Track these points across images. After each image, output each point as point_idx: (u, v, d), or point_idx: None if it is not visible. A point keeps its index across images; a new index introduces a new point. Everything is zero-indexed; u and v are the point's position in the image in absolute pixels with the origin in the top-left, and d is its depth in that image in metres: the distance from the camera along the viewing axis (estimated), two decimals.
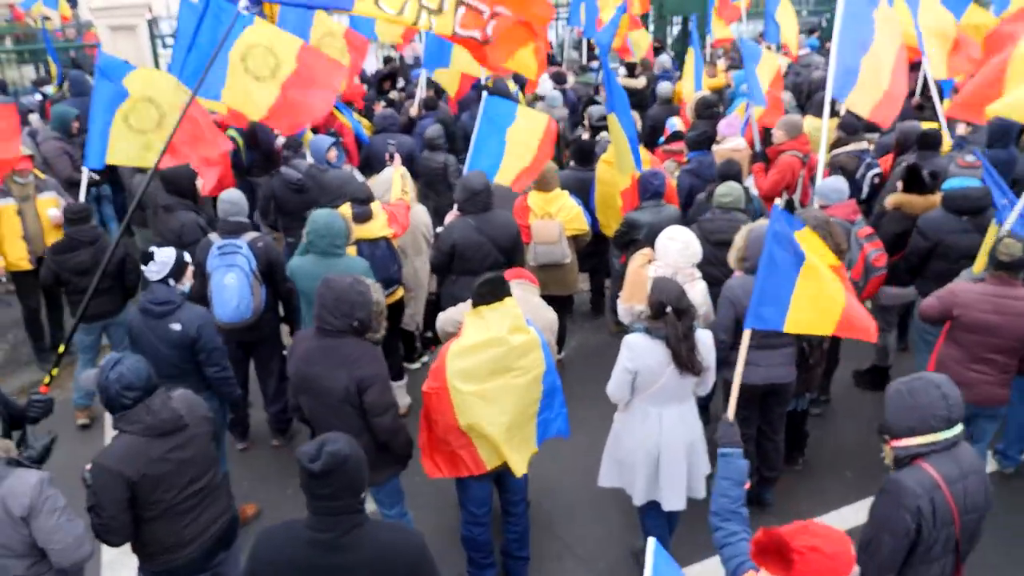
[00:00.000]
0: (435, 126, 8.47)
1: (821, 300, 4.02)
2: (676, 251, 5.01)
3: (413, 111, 9.63)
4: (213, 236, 5.51)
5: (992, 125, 7.19)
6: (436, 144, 8.24)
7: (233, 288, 5.29)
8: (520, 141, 7.02)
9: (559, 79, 11.36)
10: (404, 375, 6.56)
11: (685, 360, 4.20)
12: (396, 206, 6.13)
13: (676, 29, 15.78)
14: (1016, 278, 4.69)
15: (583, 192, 7.27)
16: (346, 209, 5.76)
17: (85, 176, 6.17)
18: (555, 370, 4.35)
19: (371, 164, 8.37)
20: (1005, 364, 4.73)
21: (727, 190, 5.93)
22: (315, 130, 8.53)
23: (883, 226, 6.36)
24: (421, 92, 9.72)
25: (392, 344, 6.16)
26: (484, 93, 7.26)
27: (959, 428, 3.17)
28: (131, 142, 6.13)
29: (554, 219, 6.55)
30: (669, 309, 4.22)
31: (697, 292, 4.92)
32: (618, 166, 6.70)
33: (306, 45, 6.24)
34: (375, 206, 5.88)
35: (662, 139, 8.73)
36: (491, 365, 4.06)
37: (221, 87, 6.06)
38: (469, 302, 4.58)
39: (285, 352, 5.73)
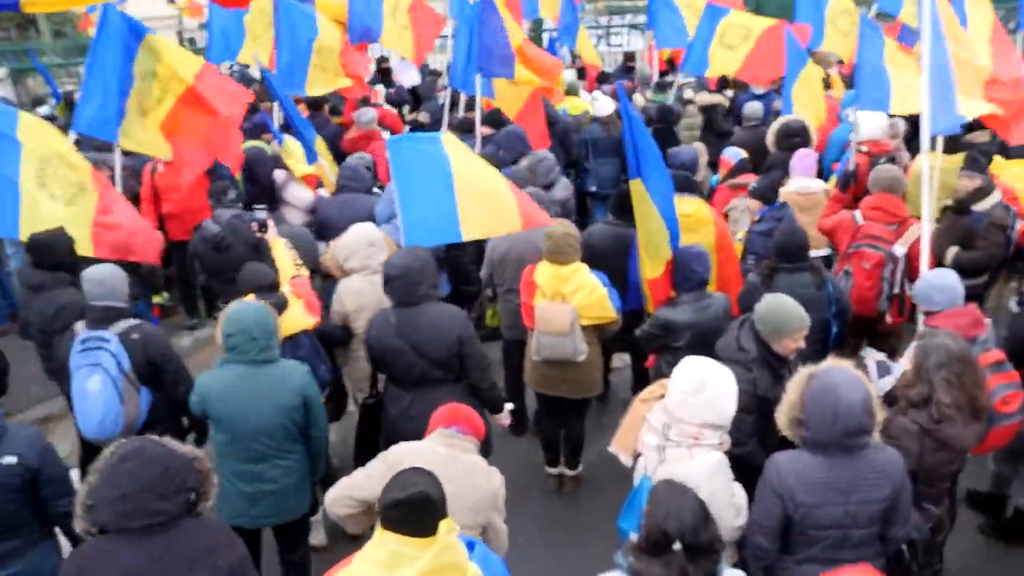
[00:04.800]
0: None
1: None
2: (682, 394, 3.31)
3: None
4: (78, 326, 4.24)
5: None
6: None
7: (96, 397, 4.01)
8: (470, 177, 5.17)
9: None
10: (319, 508, 5.00)
11: None
12: (300, 286, 4.72)
13: None
14: None
15: (621, 257, 5.55)
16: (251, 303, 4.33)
17: None
18: None
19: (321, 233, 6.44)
20: None
21: (771, 310, 3.94)
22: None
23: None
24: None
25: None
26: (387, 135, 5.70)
27: None
28: (52, 215, 5.01)
29: (567, 302, 4.88)
30: (678, 545, 2.55)
31: (697, 470, 3.20)
32: (645, 249, 4.92)
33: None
34: (285, 291, 4.52)
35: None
36: None
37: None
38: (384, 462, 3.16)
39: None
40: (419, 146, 5.17)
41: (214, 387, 3.90)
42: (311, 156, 6.72)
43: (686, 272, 4.62)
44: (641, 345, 4.91)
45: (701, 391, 3.29)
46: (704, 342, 4.28)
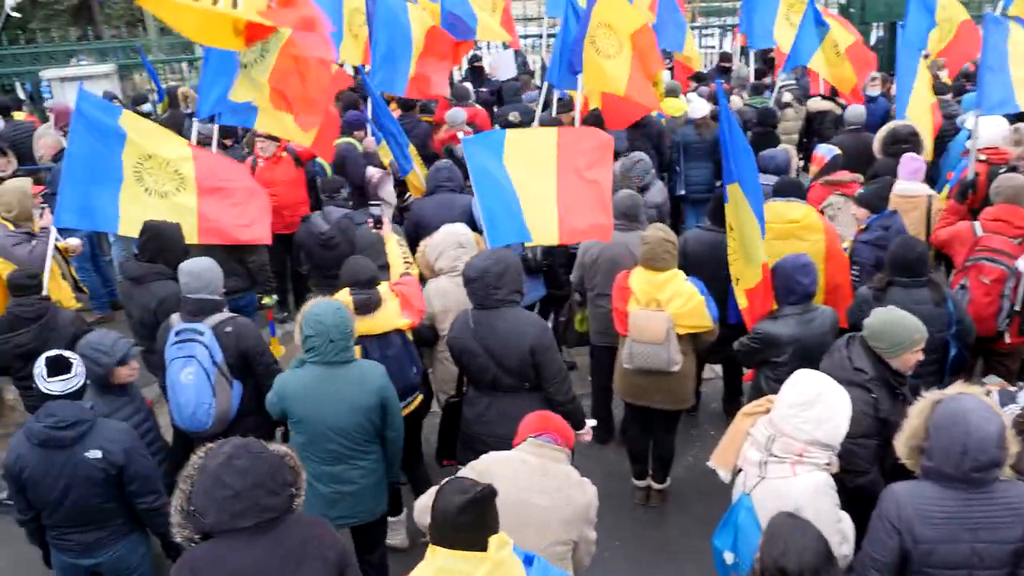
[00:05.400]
0: None
1: None
2: (792, 407, 3.12)
3: None
4: (174, 317, 4.30)
5: None
6: None
7: (189, 388, 4.07)
8: (530, 169, 5.05)
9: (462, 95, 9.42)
10: (402, 508, 4.96)
11: None
12: (406, 284, 4.64)
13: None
14: None
15: (718, 263, 5.24)
16: (344, 296, 4.31)
17: (53, 233, 5.10)
18: None
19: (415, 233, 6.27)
20: None
21: (887, 325, 3.71)
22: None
23: None
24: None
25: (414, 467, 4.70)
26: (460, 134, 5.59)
27: None
28: (152, 210, 5.12)
29: (662, 310, 4.71)
30: None
31: (800, 488, 3.05)
32: (743, 255, 4.72)
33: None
34: (383, 289, 4.42)
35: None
36: None
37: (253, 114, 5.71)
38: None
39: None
40: (487, 144, 5.13)
41: (292, 387, 3.88)
42: (405, 165, 6.60)
43: (790, 283, 4.37)
44: (739, 359, 4.70)
45: (813, 405, 3.09)
46: (808, 358, 4.05)
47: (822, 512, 3.05)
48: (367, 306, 4.28)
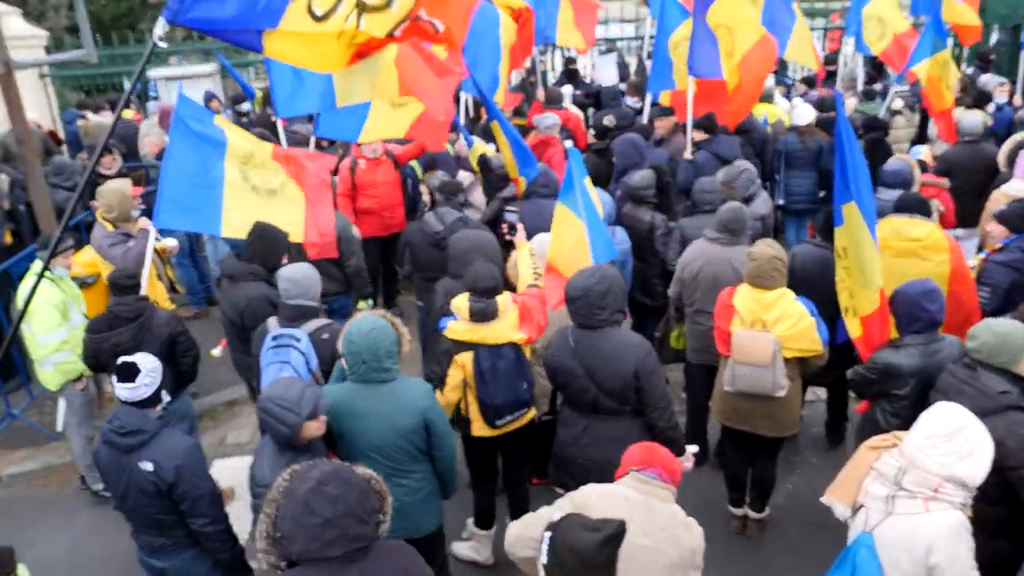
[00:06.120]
0: (644, 171, 6.34)
1: None
2: (931, 438, 2.88)
3: None
4: (271, 322, 4.26)
5: None
6: (642, 196, 6.17)
7: None
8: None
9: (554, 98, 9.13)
10: (493, 523, 4.80)
11: None
12: (529, 297, 4.45)
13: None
14: None
15: (829, 281, 4.90)
16: (463, 301, 4.18)
17: (153, 233, 5.15)
18: None
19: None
20: None
21: (1004, 337, 3.51)
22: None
23: None
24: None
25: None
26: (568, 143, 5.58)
27: None
28: (260, 210, 5.10)
29: (768, 331, 4.43)
30: None
31: (934, 526, 2.81)
32: (859, 280, 4.38)
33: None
34: (503, 300, 4.25)
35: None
36: None
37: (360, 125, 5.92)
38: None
39: None
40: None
41: (335, 404, 3.69)
42: (528, 167, 6.29)
43: (914, 311, 4.02)
44: (854, 390, 4.38)
45: (955, 437, 2.84)
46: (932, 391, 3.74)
47: (958, 557, 2.80)
48: (483, 315, 4.16)
